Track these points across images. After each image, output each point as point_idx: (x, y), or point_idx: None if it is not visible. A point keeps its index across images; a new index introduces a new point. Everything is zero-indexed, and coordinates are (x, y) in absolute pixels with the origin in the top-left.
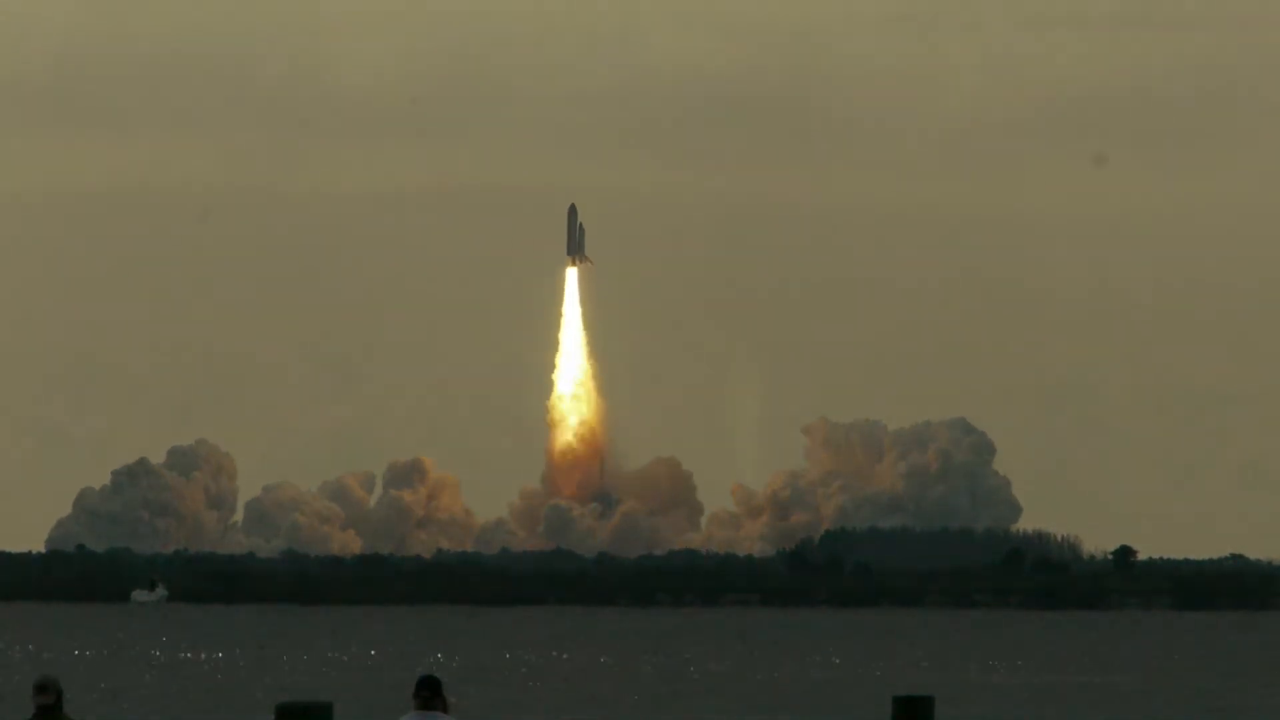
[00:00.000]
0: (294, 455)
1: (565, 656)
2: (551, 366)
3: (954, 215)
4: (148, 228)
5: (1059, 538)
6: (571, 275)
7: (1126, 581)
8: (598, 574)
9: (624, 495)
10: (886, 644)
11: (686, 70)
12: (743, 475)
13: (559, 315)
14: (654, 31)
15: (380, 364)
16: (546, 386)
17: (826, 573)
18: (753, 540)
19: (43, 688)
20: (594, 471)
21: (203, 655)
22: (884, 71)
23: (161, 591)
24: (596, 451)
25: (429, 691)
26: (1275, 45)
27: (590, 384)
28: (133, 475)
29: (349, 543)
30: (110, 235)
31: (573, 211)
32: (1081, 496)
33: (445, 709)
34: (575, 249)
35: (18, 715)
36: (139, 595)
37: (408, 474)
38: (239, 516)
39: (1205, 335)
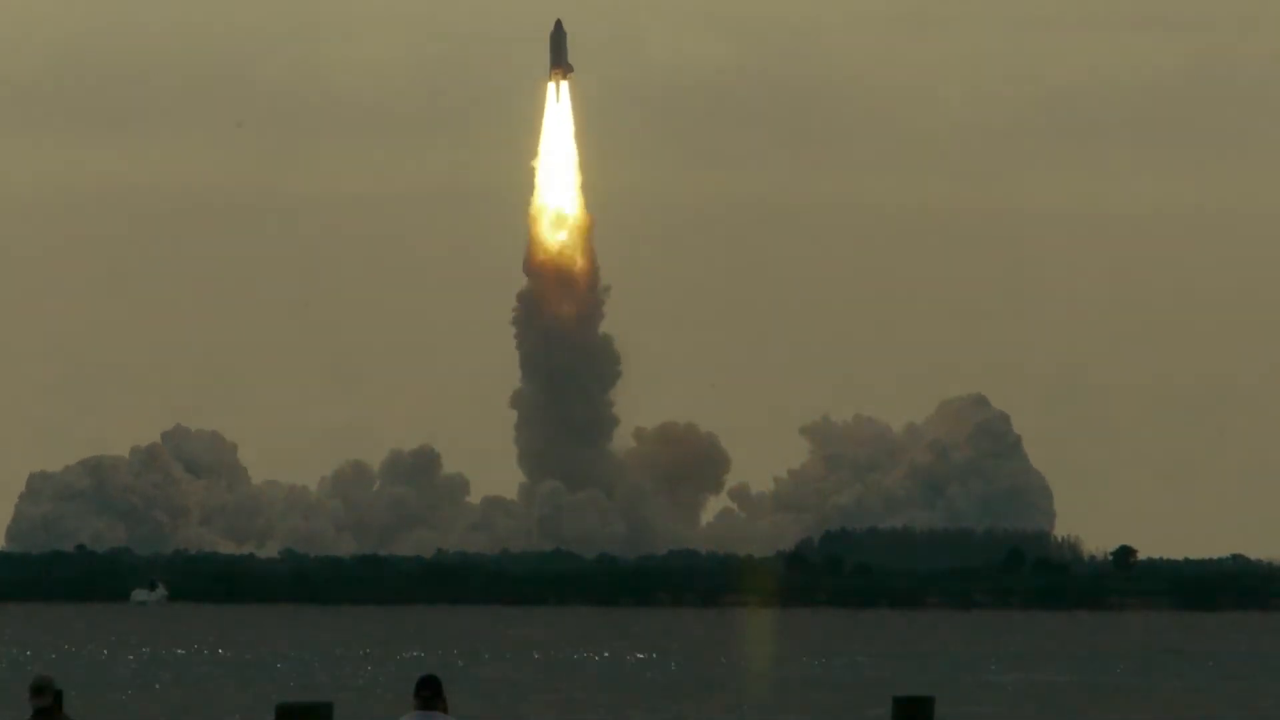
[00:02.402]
0: (295, 454)
1: (565, 656)
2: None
3: (954, 215)
4: (147, 227)
5: (1059, 538)
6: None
7: (1126, 581)
8: (598, 574)
9: (635, 466)
10: (886, 644)
11: (686, 70)
12: (743, 475)
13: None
14: (654, 31)
15: (379, 364)
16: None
17: (826, 573)
18: (753, 540)
19: (41, 689)
20: (582, 262)
21: (202, 655)
22: (884, 71)
23: (161, 591)
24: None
25: (429, 691)
26: (1275, 45)
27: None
28: (145, 460)
29: (348, 542)
30: (110, 235)
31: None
32: (1081, 496)
33: (445, 709)
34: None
35: (16, 716)
36: (139, 595)
37: (412, 468)
38: (237, 515)
39: (1205, 335)
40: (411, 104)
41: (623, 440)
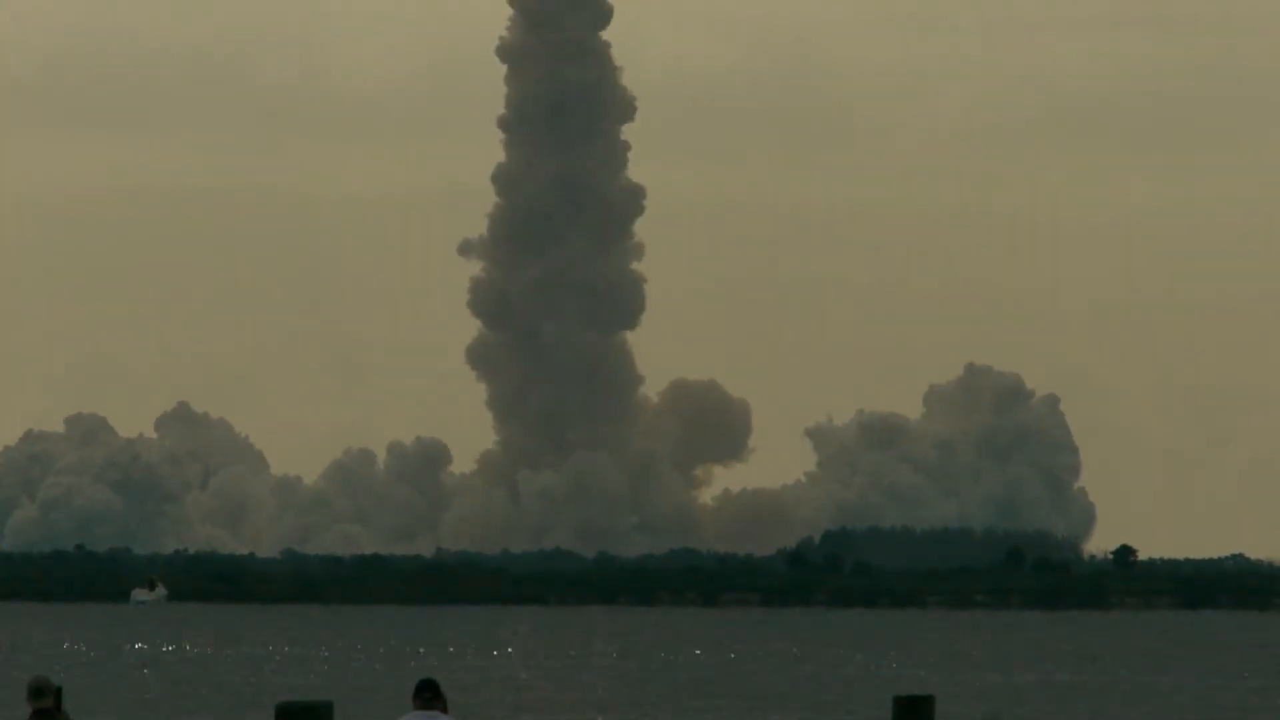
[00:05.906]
0: (294, 451)
1: (565, 656)
2: None
3: (953, 215)
4: (147, 226)
5: (1059, 538)
6: None
7: (1126, 581)
8: (598, 574)
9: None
10: (886, 644)
11: (686, 70)
12: (745, 473)
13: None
14: (654, 31)
15: (378, 363)
16: None
17: (826, 573)
18: (753, 540)
19: (40, 691)
20: None
21: (203, 655)
22: (884, 71)
23: (161, 591)
24: None
25: (430, 693)
26: (1275, 45)
27: None
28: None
29: (350, 541)
30: (110, 234)
31: None
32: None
33: (445, 709)
34: None
35: (15, 716)
36: (139, 595)
37: (414, 466)
38: (236, 512)
39: (1205, 335)
40: (412, 103)
41: (637, 399)
